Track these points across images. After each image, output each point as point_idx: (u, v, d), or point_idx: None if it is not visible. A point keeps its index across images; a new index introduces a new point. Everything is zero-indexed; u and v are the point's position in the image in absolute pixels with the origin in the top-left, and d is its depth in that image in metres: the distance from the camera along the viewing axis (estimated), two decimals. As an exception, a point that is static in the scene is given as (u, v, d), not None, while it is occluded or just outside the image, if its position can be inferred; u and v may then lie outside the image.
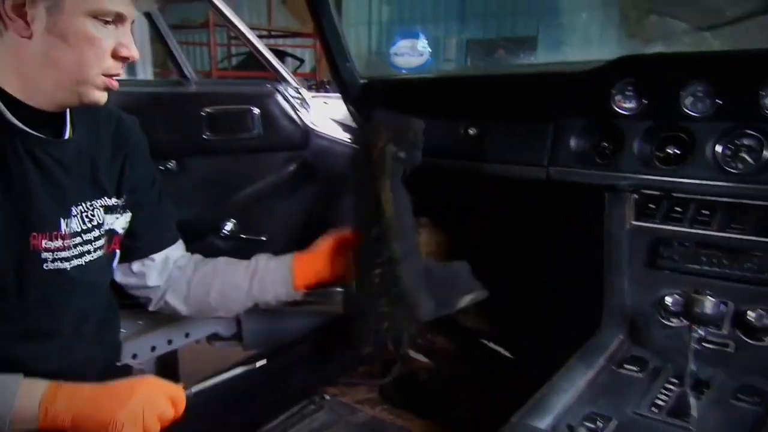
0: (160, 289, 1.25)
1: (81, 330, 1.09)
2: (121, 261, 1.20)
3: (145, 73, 1.95)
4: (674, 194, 1.20)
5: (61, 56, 0.90)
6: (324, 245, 1.32)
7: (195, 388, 1.04)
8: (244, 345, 1.99)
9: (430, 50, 1.50)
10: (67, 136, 1.01)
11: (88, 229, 1.05)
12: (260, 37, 1.60)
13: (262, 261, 1.29)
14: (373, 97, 1.67)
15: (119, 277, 1.23)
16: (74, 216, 1.03)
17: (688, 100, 1.17)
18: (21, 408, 0.87)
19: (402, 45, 1.54)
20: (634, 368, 1.03)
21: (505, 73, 1.59)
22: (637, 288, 1.20)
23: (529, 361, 1.87)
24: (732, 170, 1.12)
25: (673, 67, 1.20)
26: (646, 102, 1.22)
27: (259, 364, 1.31)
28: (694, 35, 1.40)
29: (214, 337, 2.00)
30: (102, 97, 0.96)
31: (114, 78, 0.96)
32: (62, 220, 1.00)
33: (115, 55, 0.93)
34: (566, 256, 1.87)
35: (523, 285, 2.01)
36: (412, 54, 1.54)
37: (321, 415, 1.36)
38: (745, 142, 1.11)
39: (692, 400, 0.92)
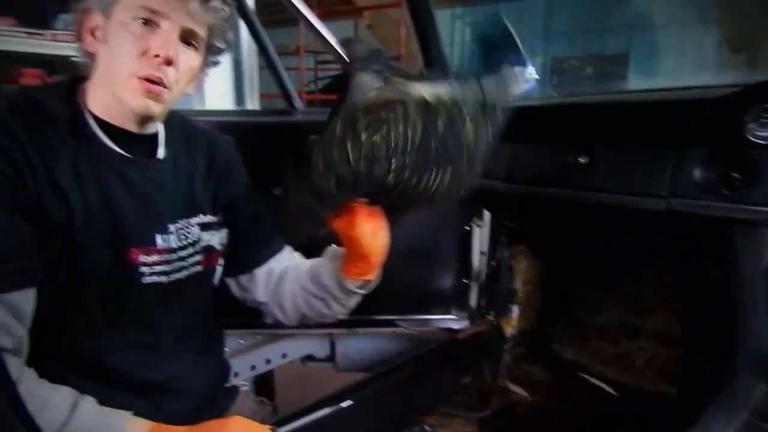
0: (268, 303, 1.26)
1: (182, 344, 1.13)
2: (228, 276, 1.24)
3: (253, 103, 2.05)
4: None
5: (103, 60, 0.95)
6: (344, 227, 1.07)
7: (283, 429, 1.04)
8: (337, 367, 2.01)
9: (537, 77, 1.46)
10: (159, 156, 1.07)
11: (184, 246, 1.09)
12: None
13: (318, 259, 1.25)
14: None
15: (235, 292, 1.28)
16: (171, 233, 1.07)
17: (837, 128, 1.07)
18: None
19: (509, 73, 1.51)
20: (781, 424, 0.94)
21: (617, 100, 1.53)
22: (777, 333, 1.10)
23: (634, 399, 1.77)
24: None
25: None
26: (785, 130, 1.13)
27: (345, 404, 1.31)
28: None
29: (308, 358, 2.03)
30: (145, 104, 0.96)
31: (153, 82, 0.94)
32: (158, 235, 1.05)
33: (147, 55, 0.93)
34: (677, 288, 1.76)
35: (626, 318, 1.91)
36: (520, 81, 1.51)
37: (421, 448, 1.34)
38: None
39: None
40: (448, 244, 1.82)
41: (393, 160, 0.87)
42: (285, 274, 1.25)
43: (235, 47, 2.43)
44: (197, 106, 1.97)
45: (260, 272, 1.24)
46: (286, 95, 1.72)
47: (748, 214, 1.15)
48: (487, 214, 1.83)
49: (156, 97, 0.96)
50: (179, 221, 1.09)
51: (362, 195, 0.97)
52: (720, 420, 0.93)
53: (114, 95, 0.96)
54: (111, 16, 0.93)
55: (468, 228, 1.81)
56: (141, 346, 1.05)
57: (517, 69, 1.65)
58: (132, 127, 1.01)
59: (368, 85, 0.89)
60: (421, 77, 0.95)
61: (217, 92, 2.02)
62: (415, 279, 1.78)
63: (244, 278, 1.25)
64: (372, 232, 1.02)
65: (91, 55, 0.97)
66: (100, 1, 0.94)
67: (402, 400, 1.57)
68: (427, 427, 1.42)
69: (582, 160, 1.42)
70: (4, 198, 0.86)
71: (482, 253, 1.86)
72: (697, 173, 1.25)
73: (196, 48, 1.00)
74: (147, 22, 0.93)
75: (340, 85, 0.93)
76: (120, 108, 0.97)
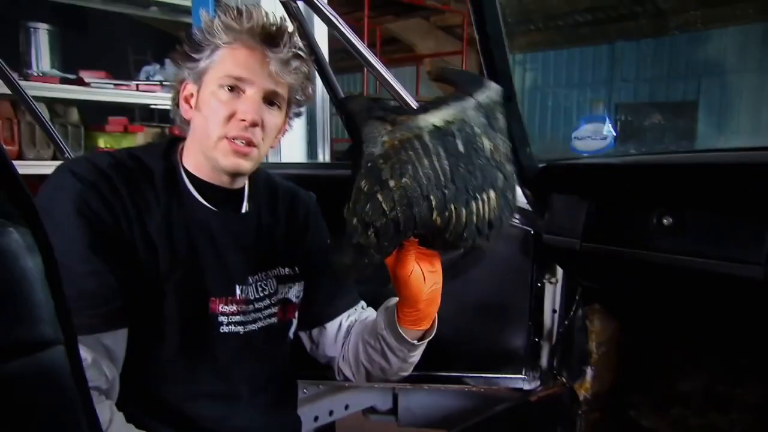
0: (336, 358, 1.27)
1: (257, 397, 1.14)
2: (300, 329, 1.26)
3: (324, 153, 2.12)
4: None
5: (197, 125, 1.05)
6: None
7: None
8: (399, 421, 1.97)
9: (615, 134, 1.44)
10: (243, 210, 1.12)
11: (261, 297, 1.12)
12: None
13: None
14: (549, 180, 1.64)
15: (307, 346, 1.29)
16: (250, 284, 1.11)
17: None
18: None
19: (585, 129, 1.50)
20: None
21: (704, 161, 1.47)
22: None
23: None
24: None
25: None
26: None
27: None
28: None
29: (370, 410, 2.00)
30: (235, 163, 1.03)
31: (240, 142, 1.02)
32: (238, 286, 1.09)
33: (234, 118, 1.01)
34: (766, 353, 1.63)
35: (714, 386, 1.78)
36: (595, 137, 1.50)
37: None
38: None
39: None
40: (520, 300, 1.77)
41: (431, 197, 0.85)
42: (352, 329, 1.25)
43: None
44: (272, 159, 2.04)
45: (331, 327, 1.25)
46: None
47: None
48: (560, 271, 1.78)
49: (245, 156, 1.03)
50: (258, 273, 1.13)
51: (409, 238, 0.94)
52: None
53: (207, 156, 1.04)
54: (202, 85, 1.03)
55: (540, 285, 1.76)
56: (217, 396, 1.08)
57: (593, 126, 1.64)
58: (222, 182, 1.08)
59: (377, 132, 0.88)
60: (421, 109, 0.94)
61: (290, 143, 2.09)
62: (484, 335, 1.74)
63: (315, 332, 1.27)
64: (422, 274, 0.99)
65: (187, 121, 1.07)
66: (193, 72, 1.04)
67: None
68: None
69: (666, 221, 1.37)
70: (102, 245, 0.93)
71: (555, 311, 1.81)
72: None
73: (279, 107, 1.07)
74: (233, 89, 1.01)
75: (351, 149, 0.94)
76: (212, 166, 1.05)
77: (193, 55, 1.03)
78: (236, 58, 1.01)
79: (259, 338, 1.12)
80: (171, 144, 1.11)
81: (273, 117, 1.06)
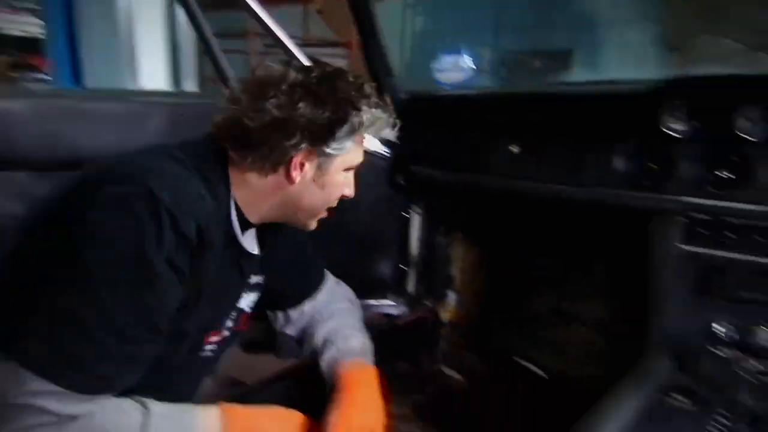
0: (294, 338, 1.31)
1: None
2: (267, 308, 1.28)
3: (191, 85, 1.99)
4: (726, 219, 1.17)
5: (314, 199, 1.01)
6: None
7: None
8: (279, 353, 2.00)
9: (474, 67, 1.49)
10: (255, 251, 1.07)
11: (231, 318, 1.10)
12: (297, 46, 1.62)
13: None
14: (412, 112, 1.68)
15: (273, 323, 1.32)
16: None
17: (742, 123, 1.14)
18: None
19: (446, 60, 1.54)
20: (684, 399, 1.00)
21: (549, 92, 1.58)
22: (684, 315, 1.17)
23: (564, 383, 1.84)
24: (789, 196, 1.08)
25: (728, 88, 1.17)
26: (697, 124, 1.20)
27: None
28: (748, 56, 1.36)
29: (251, 344, 2.02)
30: (315, 226, 1.08)
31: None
32: (227, 318, 1.08)
33: (342, 195, 1.05)
34: (607, 277, 1.84)
35: (559, 305, 1.98)
36: (456, 70, 1.54)
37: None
38: (804, 167, 1.08)
39: (748, 436, 0.89)
40: (387, 230, 1.84)
41: None
42: (312, 319, 1.28)
43: (171, 28, 2.37)
44: (130, 85, 1.90)
45: (293, 312, 1.28)
46: (223, 79, 1.68)
47: (662, 203, 1.22)
48: (424, 201, 1.86)
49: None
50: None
51: None
52: (628, 394, 0.99)
53: (300, 219, 1.05)
54: (331, 165, 0.98)
55: (406, 214, 1.83)
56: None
57: (452, 58, 1.69)
58: (255, 222, 1.04)
59: None
60: None
61: (151, 71, 1.95)
62: (353, 264, 1.79)
63: (280, 314, 1.29)
64: None
65: (290, 180, 0.97)
66: (321, 147, 0.96)
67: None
68: None
69: (514, 149, 1.46)
70: (171, 303, 0.87)
71: (420, 239, 1.89)
72: (620, 165, 1.30)
73: None
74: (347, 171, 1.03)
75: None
76: (287, 221, 1.06)
77: (337, 135, 0.95)
78: (362, 145, 1.03)
79: (218, 353, 1.10)
80: (224, 166, 0.98)
81: None
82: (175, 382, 1.02)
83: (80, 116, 1.35)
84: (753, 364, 0.91)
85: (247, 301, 1.14)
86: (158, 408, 0.90)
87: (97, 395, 0.81)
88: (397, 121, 1.07)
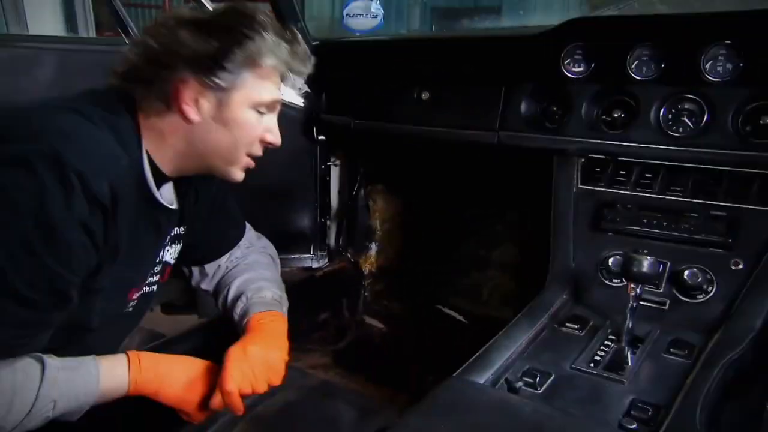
0: (209, 292, 1.27)
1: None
2: (183, 264, 1.23)
3: (88, 32, 1.85)
4: (619, 158, 1.22)
5: (219, 139, 0.95)
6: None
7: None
8: (200, 314, 1.97)
9: (383, 12, 1.46)
10: (173, 205, 1.03)
11: (154, 272, 1.07)
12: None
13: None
14: (324, 60, 1.63)
15: (189, 278, 1.27)
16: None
17: (635, 64, 1.18)
18: (109, 381, 0.91)
19: (355, 6, 1.49)
20: (575, 326, 1.05)
21: (456, 36, 1.57)
22: (581, 249, 1.22)
23: (481, 325, 1.92)
24: (673, 134, 1.14)
25: (621, 30, 1.21)
26: (594, 65, 1.23)
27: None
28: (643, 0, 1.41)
29: (169, 306, 1.97)
30: (241, 176, 1.01)
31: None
32: (150, 272, 1.05)
33: (262, 140, 0.99)
34: (519, 222, 1.90)
35: (476, 251, 2.04)
36: (366, 15, 1.50)
37: (272, 379, 1.35)
38: (687, 106, 1.14)
39: (628, 355, 0.96)
40: (306, 183, 1.81)
41: None
42: (227, 273, 1.25)
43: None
44: (15, 30, 1.74)
45: (209, 267, 1.24)
46: (123, 28, 1.57)
47: (562, 144, 1.26)
48: (342, 153, 1.84)
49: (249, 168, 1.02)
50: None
51: None
52: (523, 326, 1.04)
53: (218, 167, 0.98)
54: (229, 101, 0.92)
55: (325, 167, 1.81)
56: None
57: (362, 3, 1.66)
58: (172, 174, 0.99)
59: None
60: None
61: (38, 14, 1.78)
62: (273, 218, 1.77)
63: (195, 269, 1.25)
64: None
65: (185, 118, 0.91)
66: (211, 80, 0.89)
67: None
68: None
69: (424, 96, 1.47)
70: (81, 268, 0.82)
71: (339, 192, 1.89)
72: (524, 108, 1.33)
73: None
74: (263, 112, 0.97)
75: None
76: (210, 173, 1.00)
77: (229, 67, 0.89)
78: (275, 82, 0.96)
79: (142, 304, 1.07)
80: (133, 117, 0.92)
81: None
82: (97, 343, 0.99)
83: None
84: (634, 289, 0.97)
85: (171, 253, 1.12)
86: (56, 361, 0.87)
87: None
88: (311, 56, 1.01)
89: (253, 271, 1.24)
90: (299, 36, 0.98)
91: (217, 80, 0.89)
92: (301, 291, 1.81)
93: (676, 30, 1.14)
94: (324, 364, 1.60)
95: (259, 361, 1.02)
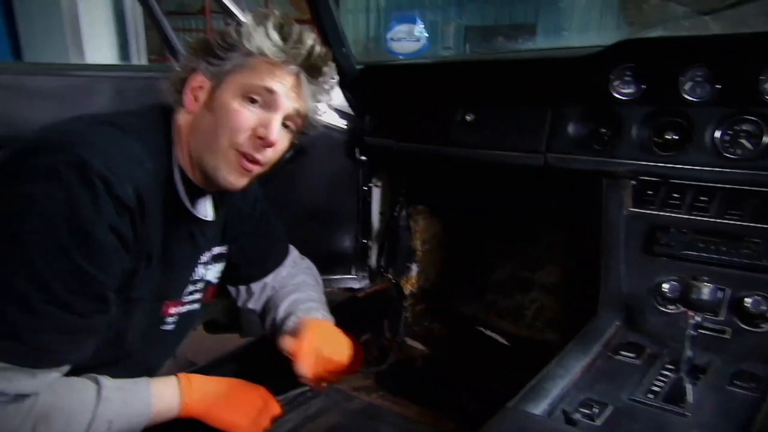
0: (256, 312, 1.30)
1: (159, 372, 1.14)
2: (229, 284, 1.26)
3: (140, 59, 1.93)
4: (672, 180, 1.19)
5: (205, 126, 0.93)
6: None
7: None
8: (242, 333, 1.99)
9: (427, 35, 1.47)
10: (210, 217, 1.04)
11: (192, 291, 1.08)
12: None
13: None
14: (369, 83, 1.66)
15: (236, 299, 1.30)
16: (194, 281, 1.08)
17: (688, 85, 1.16)
18: (161, 403, 0.94)
19: (399, 30, 1.51)
20: (631, 354, 1.02)
21: (502, 59, 1.57)
22: (633, 274, 1.19)
23: (525, 348, 1.88)
24: (731, 156, 1.11)
25: (672, 51, 1.19)
26: (644, 87, 1.21)
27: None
28: (694, 19, 1.38)
29: (212, 324, 2.00)
30: (236, 180, 0.95)
31: (249, 160, 0.94)
32: (189, 286, 1.06)
33: (252, 134, 0.92)
34: (564, 244, 1.87)
35: (519, 273, 2.01)
36: (410, 39, 1.52)
37: (317, 401, 1.36)
38: (745, 127, 1.10)
39: (688, 386, 0.92)
40: (348, 204, 1.82)
41: None
42: (274, 293, 1.27)
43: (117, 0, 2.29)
44: (75, 59, 1.82)
45: (256, 286, 1.26)
46: (172, 52, 1.63)
47: (612, 166, 1.24)
48: (384, 175, 1.85)
49: (248, 174, 0.95)
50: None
51: None
52: (577, 354, 1.01)
53: (207, 162, 0.93)
54: (222, 86, 0.92)
55: (367, 188, 1.82)
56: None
57: (406, 27, 1.67)
58: (202, 184, 0.98)
59: None
60: None
61: (98, 46, 1.87)
62: (315, 239, 1.78)
63: (242, 289, 1.27)
64: None
65: (190, 114, 0.94)
66: (212, 68, 0.92)
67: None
68: (323, 384, 1.43)
69: (469, 117, 1.46)
70: (115, 271, 0.84)
71: (381, 213, 1.89)
72: (571, 129, 1.32)
73: (291, 130, 0.99)
74: (255, 102, 0.92)
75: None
76: (208, 174, 0.95)
77: (220, 53, 0.92)
78: (272, 72, 0.92)
79: (183, 324, 1.09)
80: (167, 126, 0.95)
81: (285, 139, 0.99)
82: (136, 359, 1.01)
83: (20, 92, 1.29)
84: (693, 317, 0.94)
85: (213, 272, 1.13)
86: (111, 382, 0.90)
87: (45, 370, 0.80)
88: (315, 44, 0.97)
89: (301, 292, 1.25)
90: (296, 26, 0.96)
91: (211, 68, 0.93)
92: (342, 311, 1.81)
93: (732, 51, 1.11)
94: (367, 386, 1.59)
95: (330, 337, 1.09)
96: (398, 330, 1.92)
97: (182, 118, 0.95)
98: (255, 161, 0.94)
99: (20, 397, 0.78)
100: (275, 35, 0.92)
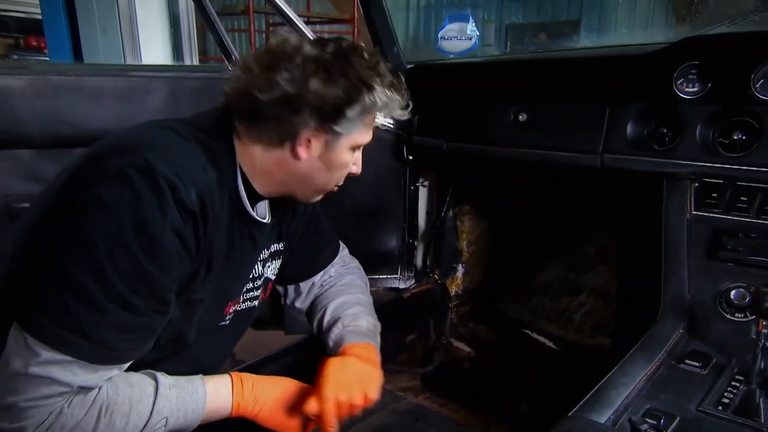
0: (303, 311, 1.31)
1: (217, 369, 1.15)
2: (278, 283, 1.26)
3: (192, 59, 1.98)
4: (739, 183, 1.14)
5: (320, 177, 0.99)
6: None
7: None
8: (286, 330, 2.01)
9: (478, 34, 1.45)
10: (267, 219, 1.07)
11: (251, 288, 1.10)
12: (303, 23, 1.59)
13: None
14: (417, 82, 1.64)
15: (283, 298, 1.32)
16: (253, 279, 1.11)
17: (759, 83, 1.10)
18: (214, 402, 0.95)
19: (450, 29, 1.49)
20: (696, 364, 0.98)
21: (557, 57, 1.54)
22: (697, 280, 1.15)
23: (574, 353, 1.84)
24: (805, 157, 1.06)
25: (744, 47, 1.14)
26: (711, 85, 1.16)
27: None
28: (764, 13, 1.32)
29: (258, 322, 2.02)
30: (317, 199, 1.06)
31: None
32: (248, 284, 1.08)
33: (348, 173, 1.03)
34: (621, 247, 1.82)
35: (567, 275, 1.97)
36: (460, 38, 1.50)
37: (365, 401, 1.35)
38: (821, 127, 1.05)
39: (761, 400, 0.88)
40: (395, 204, 1.82)
41: None
42: (328, 285, 1.28)
43: (172, 2, 2.34)
44: (130, 61, 1.87)
45: (304, 285, 1.28)
46: (226, 53, 1.65)
47: (673, 168, 1.19)
48: (432, 174, 1.84)
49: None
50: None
51: None
52: (639, 361, 0.98)
53: (298, 192, 1.02)
54: (337, 143, 0.95)
55: (414, 188, 1.81)
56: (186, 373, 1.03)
57: (457, 26, 1.65)
58: (264, 195, 1.03)
59: None
60: None
61: (151, 45, 1.91)
62: (362, 239, 1.78)
63: (290, 288, 1.29)
64: None
65: (295, 156, 0.95)
66: (331, 123, 0.93)
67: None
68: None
69: (522, 117, 1.43)
70: (176, 273, 0.85)
71: (428, 213, 1.88)
72: (630, 129, 1.27)
73: None
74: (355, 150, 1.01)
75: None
76: (293, 196, 1.03)
77: (348, 114, 0.92)
78: (372, 125, 1.00)
79: (237, 321, 1.10)
80: (230, 133, 0.97)
81: None
82: (194, 356, 1.03)
83: (80, 92, 1.33)
84: (766, 326, 0.89)
85: (272, 269, 1.15)
86: (168, 379, 0.91)
87: (107, 365, 0.81)
88: (410, 102, 1.02)
89: (348, 294, 1.25)
90: (404, 83, 0.99)
91: (335, 127, 0.92)
92: (388, 311, 1.81)
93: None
94: (414, 387, 1.58)
95: (356, 372, 1.03)
96: (443, 331, 1.90)
97: (264, 150, 0.95)
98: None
99: (83, 389, 0.81)
100: (399, 104, 0.97)
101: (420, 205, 1.86)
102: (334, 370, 1.02)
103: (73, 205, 0.80)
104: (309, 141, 0.93)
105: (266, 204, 1.07)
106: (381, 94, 0.92)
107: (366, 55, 0.93)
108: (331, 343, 1.17)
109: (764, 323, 0.90)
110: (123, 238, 0.78)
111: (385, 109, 0.95)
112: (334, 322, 1.19)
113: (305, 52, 0.90)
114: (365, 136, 0.98)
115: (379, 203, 1.80)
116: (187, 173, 0.83)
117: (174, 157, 0.83)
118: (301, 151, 0.93)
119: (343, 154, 0.97)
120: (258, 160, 0.95)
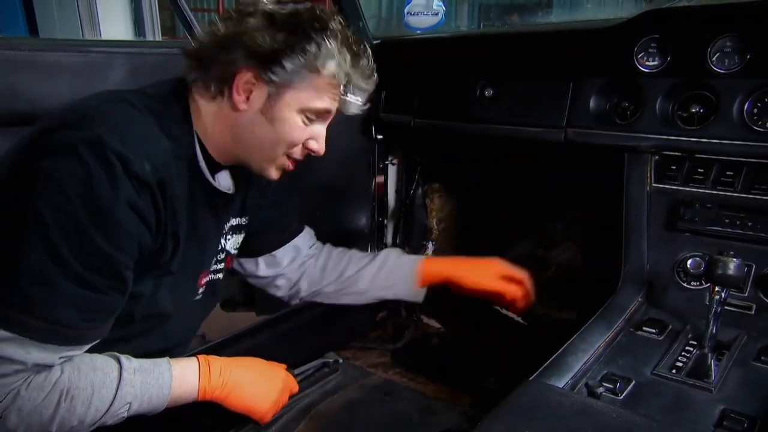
0: (294, 278, 1.32)
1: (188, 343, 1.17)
2: (246, 255, 1.27)
3: (155, 36, 1.92)
4: (697, 155, 1.17)
5: (262, 134, 0.95)
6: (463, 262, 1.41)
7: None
8: (258, 311, 2.00)
9: (444, 9, 1.44)
10: (230, 190, 1.06)
11: (219, 260, 1.11)
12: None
13: (393, 256, 1.37)
14: (384, 58, 1.63)
15: (252, 279, 1.34)
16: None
17: (716, 56, 1.12)
18: (179, 388, 0.95)
19: (416, 3, 1.48)
20: (653, 330, 1.01)
21: (522, 31, 1.54)
22: (656, 251, 1.18)
23: (541, 327, 1.87)
24: (759, 129, 1.08)
25: (701, 20, 1.16)
26: (670, 59, 1.18)
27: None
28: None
29: (229, 303, 2.01)
30: (275, 175, 1.02)
31: (295, 164, 1.02)
32: (215, 257, 1.09)
33: (305, 146, 1.00)
34: (580, 222, 1.85)
35: (535, 251, 2.00)
36: (427, 13, 1.49)
37: (335, 377, 1.37)
38: (775, 99, 1.08)
39: (712, 362, 0.91)
40: (364, 182, 1.82)
41: None
42: (316, 253, 1.34)
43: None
44: (89, 36, 1.81)
45: (288, 247, 1.30)
46: (189, 29, 1.61)
47: (634, 141, 1.21)
48: (400, 152, 1.84)
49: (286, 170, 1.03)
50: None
51: None
52: (598, 329, 1.00)
53: (254, 160, 0.99)
54: (280, 99, 0.92)
55: (382, 165, 1.81)
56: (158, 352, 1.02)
57: (423, 0, 1.64)
58: (223, 162, 1.02)
59: None
60: None
61: (110, 19, 1.86)
62: (331, 217, 1.78)
63: (268, 257, 1.29)
64: None
65: (235, 108, 0.93)
66: (270, 74, 0.90)
67: (317, 336, 1.59)
68: (340, 360, 1.44)
69: (488, 93, 1.44)
70: (136, 249, 0.84)
71: (397, 191, 1.88)
72: (593, 103, 1.29)
73: None
74: (312, 119, 0.97)
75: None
76: (249, 166, 1.01)
77: (284, 62, 0.90)
78: (333, 93, 0.96)
79: (208, 294, 1.11)
80: (185, 102, 0.95)
81: None
82: (172, 330, 1.03)
83: (36, 68, 1.28)
84: (718, 293, 0.92)
85: (232, 243, 1.15)
86: (133, 363, 0.90)
87: (63, 345, 0.80)
88: (376, 74, 1.00)
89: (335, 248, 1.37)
90: (368, 52, 0.98)
91: (272, 75, 0.90)
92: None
93: (765, 18, 1.08)
94: (383, 363, 1.60)
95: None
96: (414, 308, 1.92)
97: (209, 105, 0.94)
98: (297, 163, 1.02)
99: (40, 369, 0.80)
100: (352, 62, 0.94)
101: (389, 183, 1.86)
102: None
103: (22, 180, 0.78)
104: (249, 91, 0.91)
105: (228, 175, 1.06)
106: (326, 48, 0.90)
107: (318, 11, 0.92)
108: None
109: (716, 289, 0.93)
110: (74, 214, 0.76)
111: (334, 65, 0.91)
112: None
113: (262, 7, 0.90)
114: (316, 101, 0.94)
115: (347, 181, 1.80)
116: (140, 146, 0.81)
117: (126, 130, 0.81)
118: (240, 101, 0.92)
119: (288, 111, 0.94)
120: (207, 119, 0.95)
